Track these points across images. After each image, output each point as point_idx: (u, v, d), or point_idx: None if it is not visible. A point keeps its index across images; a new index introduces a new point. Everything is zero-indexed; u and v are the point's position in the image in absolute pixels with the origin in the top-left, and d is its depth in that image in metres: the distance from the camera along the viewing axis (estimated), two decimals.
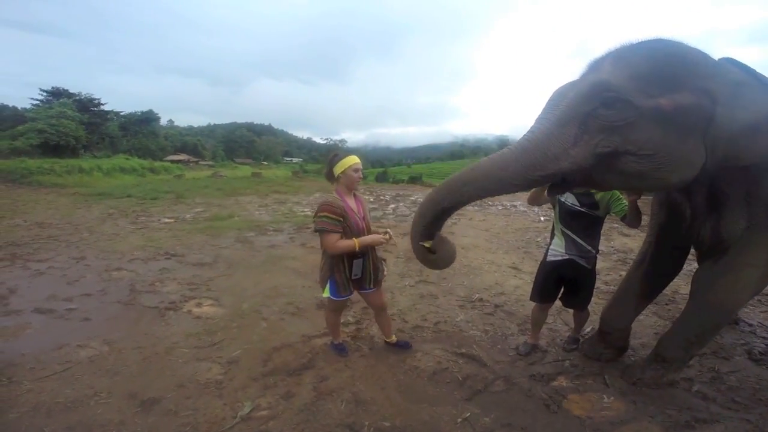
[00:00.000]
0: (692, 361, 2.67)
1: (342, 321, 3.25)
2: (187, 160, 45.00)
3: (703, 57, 1.90)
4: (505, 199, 12.67)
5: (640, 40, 1.87)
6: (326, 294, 2.50)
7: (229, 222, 7.81)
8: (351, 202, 2.41)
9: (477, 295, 3.91)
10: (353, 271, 2.44)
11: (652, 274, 2.58)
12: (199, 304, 3.59)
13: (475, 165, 1.91)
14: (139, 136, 42.15)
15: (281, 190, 15.14)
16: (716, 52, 1.95)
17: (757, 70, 2.11)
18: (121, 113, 44.43)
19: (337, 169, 2.34)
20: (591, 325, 3.09)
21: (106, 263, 4.73)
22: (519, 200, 12.35)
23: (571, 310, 2.89)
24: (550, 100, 1.89)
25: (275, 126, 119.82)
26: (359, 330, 3.10)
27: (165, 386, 2.33)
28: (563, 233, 2.53)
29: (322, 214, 2.28)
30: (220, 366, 2.56)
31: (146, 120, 45.06)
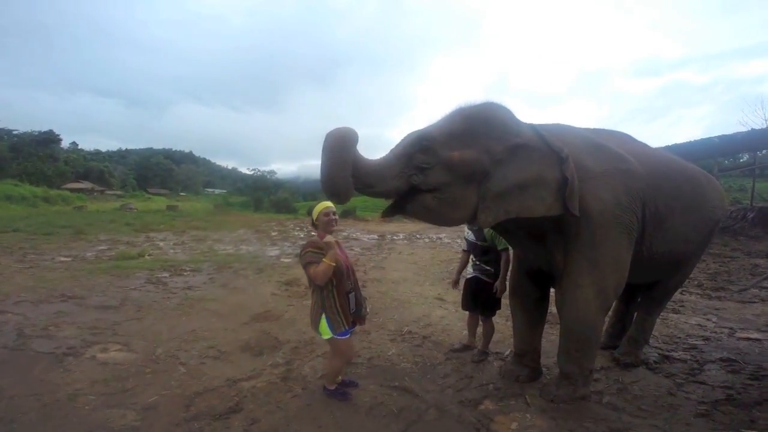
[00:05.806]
0: (599, 374, 2.98)
1: (270, 363, 3.11)
2: (90, 189, 40.13)
3: (505, 122, 2.32)
4: (432, 232, 13.32)
5: (474, 102, 2.34)
6: (326, 335, 2.44)
7: (138, 261, 7.14)
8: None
9: (406, 328, 4.02)
10: (350, 305, 2.47)
11: (527, 301, 2.93)
12: (104, 350, 3.21)
13: (364, 164, 2.17)
14: (34, 159, 36.72)
15: (201, 226, 14.22)
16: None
17: (561, 131, 2.49)
18: (14, 132, 39.60)
19: (314, 216, 2.53)
20: (510, 348, 3.33)
21: None
22: (444, 233, 13.07)
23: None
24: (403, 137, 2.33)
25: (197, 153, 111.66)
26: (290, 371, 2.99)
27: None
28: (471, 259, 3.35)
29: (308, 249, 2.39)
30: (135, 412, 2.35)
31: (44, 141, 39.49)
